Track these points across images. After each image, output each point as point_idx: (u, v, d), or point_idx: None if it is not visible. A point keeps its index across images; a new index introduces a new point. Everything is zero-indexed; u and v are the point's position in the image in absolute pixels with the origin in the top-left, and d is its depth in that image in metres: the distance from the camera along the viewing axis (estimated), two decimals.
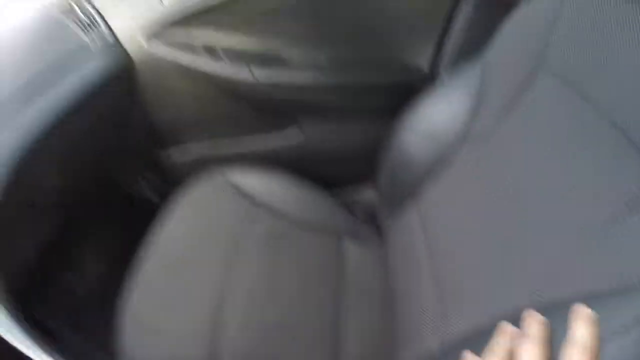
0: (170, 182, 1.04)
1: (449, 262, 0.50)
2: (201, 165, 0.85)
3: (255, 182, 0.76)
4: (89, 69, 0.74)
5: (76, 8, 0.81)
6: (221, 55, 0.82)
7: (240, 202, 0.72)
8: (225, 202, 0.72)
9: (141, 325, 0.59)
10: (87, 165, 0.86)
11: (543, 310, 0.30)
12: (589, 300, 0.27)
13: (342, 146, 0.93)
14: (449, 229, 0.53)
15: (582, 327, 0.26)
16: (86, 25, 0.79)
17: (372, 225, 0.77)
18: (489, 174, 0.49)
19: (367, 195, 0.97)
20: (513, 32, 0.52)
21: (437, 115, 0.62)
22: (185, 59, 0.81)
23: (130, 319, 0.59)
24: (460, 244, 0.50)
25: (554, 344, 0.27)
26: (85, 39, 0.77)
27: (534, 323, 0.29)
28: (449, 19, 0.73)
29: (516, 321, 0.31)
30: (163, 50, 0.81)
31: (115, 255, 0.95)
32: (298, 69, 0.82)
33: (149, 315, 0.59)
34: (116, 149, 0.95)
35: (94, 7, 0.82)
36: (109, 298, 0.65)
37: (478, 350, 0.32)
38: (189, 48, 0.81)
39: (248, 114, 0.90)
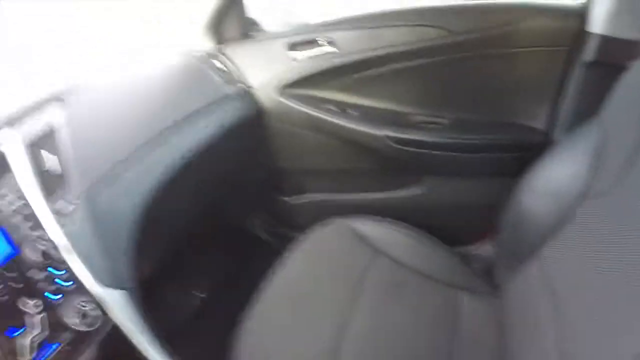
0: (286, 225, 1.10)
1: (573, 319, 0.50)
2: (318, 213, 0.89)
3: (377, 231, 0.81)
4: (224, 113, 0.80)
5: (215, 59, 0.88)
6: (349, 110, 0.89)
7: (363, 248, 0.78)
8: (348, 247, 0.78)
9: (256, 355, 0.62)
10: (209, 198, 0.91)
11: None
12: None
13: (461, 202, 0.94)
14: (572, 286, 0.52)
15: None
16: (224, 74, 0.87)
17: (489, 280, 0.76)
18: (612, 230, 0.49)
19: (484, 250, 0.96)
20: (626, 93, 0.53)
21: (556, 174, 0.63)
22: (314, 111, 0.88)
23: (246, 347, 0.63)
24: (585, 301, 0.49)
25: None
26: (222, 86, 0.83)
27: None
28: (563, 83, 0.76)
29: None
30: (293, 102, 0.88)
31: (219, 283, 1.03)
32: (422, 128, 0.87)
33: (265, 345, 0.63)
34: (239, 188, 1.01)
35: (230, 59, 0.91)
36: (211, 321, 0.71)
37: None
38: (318, 101, 0.89)
39: (371, 168, 0.96)
